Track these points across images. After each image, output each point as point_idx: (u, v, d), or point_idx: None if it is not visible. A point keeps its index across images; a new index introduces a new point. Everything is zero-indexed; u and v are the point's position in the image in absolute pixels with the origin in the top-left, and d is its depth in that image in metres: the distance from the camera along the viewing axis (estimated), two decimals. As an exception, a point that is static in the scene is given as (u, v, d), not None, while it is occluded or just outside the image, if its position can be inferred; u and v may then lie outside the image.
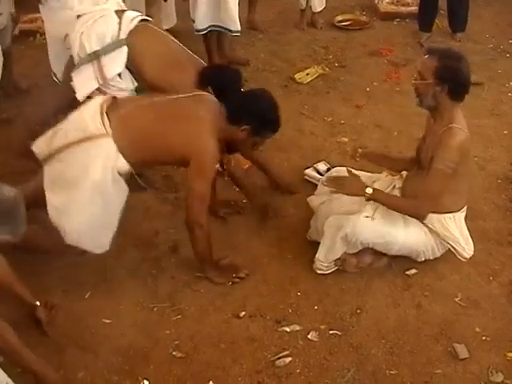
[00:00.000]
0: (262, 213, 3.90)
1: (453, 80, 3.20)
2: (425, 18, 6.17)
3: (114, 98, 3.40)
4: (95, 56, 3.77)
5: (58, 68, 4.21)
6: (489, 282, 3.49)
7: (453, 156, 3.20)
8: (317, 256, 3.48)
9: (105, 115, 3.24)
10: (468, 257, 3.50)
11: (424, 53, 3.37)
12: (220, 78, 3.72)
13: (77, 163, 3.21)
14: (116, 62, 3.80)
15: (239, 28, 5.32)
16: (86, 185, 3.18)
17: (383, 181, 3.65)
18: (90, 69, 3.79)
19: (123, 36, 3.79)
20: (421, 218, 3.37)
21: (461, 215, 3.47)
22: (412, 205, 3.38)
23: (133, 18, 3.87)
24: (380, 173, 3.76)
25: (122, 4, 4.13)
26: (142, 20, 3.94)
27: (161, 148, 3.28)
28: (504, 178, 4.29)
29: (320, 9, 6.44)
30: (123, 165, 3.21)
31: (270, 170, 4.15)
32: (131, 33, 3.82)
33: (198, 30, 5.28)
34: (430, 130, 3.44)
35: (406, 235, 3.41)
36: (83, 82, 3.82)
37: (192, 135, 3.23)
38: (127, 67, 3.81)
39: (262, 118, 3.31)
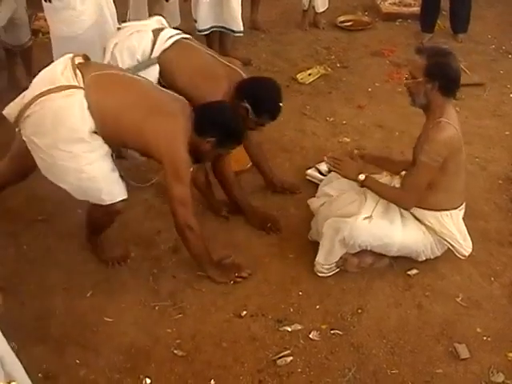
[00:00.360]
0: (261, 227, 3.86)
1: (443, 76, 3.23)
2: (427, 18, 6.19)
3: (86, 56, 3.32)
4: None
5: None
6: (490, 283, 3.49)
7: (438, 149, 3.22)
8: (317, 259, 3.49)
9: (77, 70, 3.17)
10: (467, 254, 3.51)
11: (414, 53, 3.40)
12: (256, 91, 3.65)
13: (49, 113, 3.10)
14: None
15: (242, 28, 5.33)
16: (62, 134, 3.09)
17: (383, 180, 3.66)
18: None
19: (156, 55, 3.77)
20: (406, 207, 3.42)
21: (458, 213, 3.47)
22: (398, 194, 3.42)
23: (169, 37, 3.82)
24: (379, 173, 3.77)
25: (164, 22, 4.11)
26: (180, 37, 3.89)
27: (132, 135, 3.21)
28: (505, 178, 4.30)
29: (323, 9, 6.46)
30: (92, 123, 3.11)
31: (265, 171, 4.16)
32: (165, 51, 3.78)
33: (200, 31, 5.29)
34: (422, 130, 3.46)
35: (403, 235, 3.42)
36: None
37: (168, 135, 3.17)
38: (160, 83, 3.76)
39: (227, 130, 3.31)
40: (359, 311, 3.31)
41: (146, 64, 3.75)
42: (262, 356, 3.05)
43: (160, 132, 3.15)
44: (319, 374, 2.99)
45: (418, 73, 3.27)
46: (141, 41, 3.79)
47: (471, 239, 3.52)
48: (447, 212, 3.42)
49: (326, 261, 3.48)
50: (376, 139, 4.71)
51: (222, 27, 5.32)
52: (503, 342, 3.14)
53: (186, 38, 3.90)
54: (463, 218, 3.52)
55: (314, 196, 3.88)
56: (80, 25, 4.03)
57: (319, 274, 3.50)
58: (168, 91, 3.44)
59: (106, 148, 3.18)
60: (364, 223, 3.38)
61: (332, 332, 3.19)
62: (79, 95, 3.09)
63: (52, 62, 4.27)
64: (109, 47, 3.83)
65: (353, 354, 3.09)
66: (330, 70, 5.73)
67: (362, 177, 3.42)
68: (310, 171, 4.25)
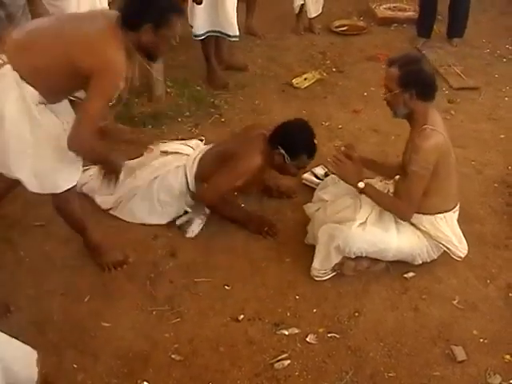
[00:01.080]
0: (257, 231, 3.87)
1: (417, 83, 3.24)
2: (424, 23, 6.21)
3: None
4: None
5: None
6: (486, 285, 3.50)
7: (426, 157, 3.23)
8: (313, 265, 3.51)
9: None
10: (462, 256, 3.52)
11: (386, 65, 3.39)
12: (287, 135, 3.76)
13: None
14: None
15: (237, 33, 5.34)
16: (6, 123, 2.95)
17: (378, 186, 3.67)
18: None
19: (192, 184, 3.90)
20: (404, 219, 3.43)
21: (452, 215, 3.48)
22: (396, 205, 3.43)
23: (193, 159, 3.94)
24: (373, 178, 3.78)
25: (200, 143, 4.24)
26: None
27: (61, 65, 2.92)
28: (501, 182, 4.31)
29: (315, 14, 6.48)
30: (32, 93, 2.94)
31: None
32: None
33: (196, 36, 5.31)
34: (408, 139, 3.48)
35: (399, 241, 3.43)
36: None
37: (96, 47, 2.88)
38: None
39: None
40: (356, 314, 3.32)
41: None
42: (259, 360, 3.06)
43: (90, 46, 2.89)
44: (317, 377, 2.99)
45: (393, 85, 3.27)
46: (176, 179, 3.91)
47: (467, 242, 3.53)
48: (441, 215, 3.43)
49: (322, 266, 3.49)
50: (371, 143, 4.73)
51: (218, 32, 5.34)
52: (500, 344, 3.14)
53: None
54: (459, 221, 3.53)
55: (311, 200, 3.90)
56: None
57: (316, 278, 3.51)
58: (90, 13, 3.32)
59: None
60: (358, 231, 3.39)
61: (329, 335, 3.20)
62: (9, 71, 2.93)
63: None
64: (146, 176, 3.95)
65: (350, 357, 3.09)
66: (325, 74, 5.76)
67: (361, 184, 3.44)
68: (305, 175, 4.26)
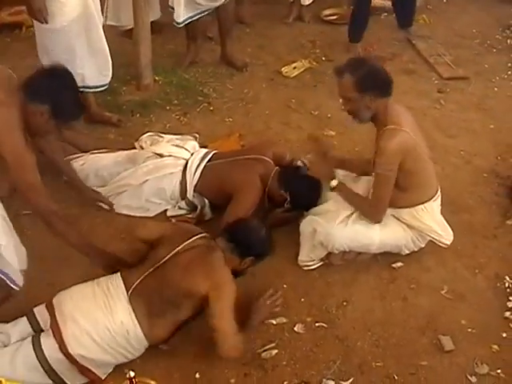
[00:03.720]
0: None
1: (374, 82, 3.19)
2: (357, 29, 5.92)
3: None
4: None
5: (46, 60, 4.17)
6: (474, 275, 3.51)
7: (389, 159, 3.19)
8: (299, 257, 3.52)
9: None
10: (448, 243, 3.51)
11: (336, 77, 3.34)
12: (295, 189, 3.69)
13: None
14: None
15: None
16: None
17: (368, 181, 3.66)
18: None
19: (190, 195, 3.87)
20: (374, 221, 3.40)
21: (432, 204, 3.45)
22: (367, 208, 3.41)
23: (195, 170, 3.88)
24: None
25: (196, 144, 4.19)
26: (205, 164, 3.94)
27: None
28: (490, 171, 4.31)
29: (309, 2, 6.44)
30: None
31: None
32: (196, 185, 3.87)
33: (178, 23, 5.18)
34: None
35: (382, 234, 3.42)
36: None
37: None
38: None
39: (63, 102, 3.01)
40: (344, 304, 3.31)
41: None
42: (246, 349, 3.03)
43: None
44: (304, 366, 2.99)
45: (350, 93, 3.20)
46: (170, 184, 3.88)
47: (456, 232, 3.54)
48: (421, 206, 3.41)
49: (308, 258, 3.51)
50: (361, 132, 4.69)
51: (203, 12, 5.22)
52: (488, 334, 3.15)
53: (210, 159, 3.96)
54: (447, 211, 3.53)
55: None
56: (64, 17, 3.99)
57: (304, 268, 3.51)
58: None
59: None
60: (340, 228, 3.39)
61: (317, 325, 3.20)
62: None
63: (36, 55, 4.28)
64: (139, 176, 3.90)
65: (338, 346, 3.09)
66: (315, 63, 5.73)
67: (334, 183, 3.52)
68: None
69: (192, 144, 4.15)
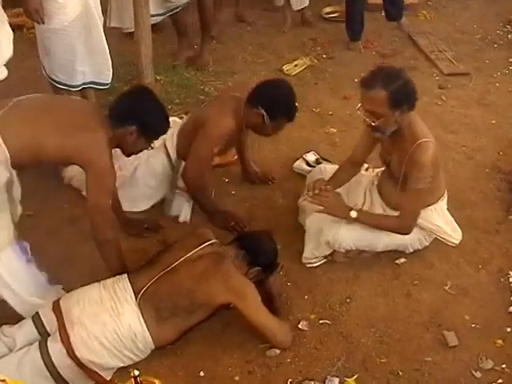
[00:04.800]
0: (224, 226, 3.77)
1: (407, 97, 3.04)
2: (354, 27, 6.00)
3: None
4: None
5: (46, 60, 4.17)
6: (477, 271, 3.50)
7: (428, 172, 3.14)
8: (304, 255, 3.51)
9: None
10: (457, 242, 3.51)
11: (363, 88, 3.10)
12: (268, 94, 3.52)
13: None
14: None
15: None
16: None
17: (366, 177, 3.65)
18: None
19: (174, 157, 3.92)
20: (408, 232, 3.34)
21: (441, 204, 3.46)
22: (397, 223, 3.33)
23: (172, 135, 3.91)
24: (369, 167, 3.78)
25: (176, 119, 4.20)
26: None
27: (52, 156, 3.00)
28: (492, 167, 4.31)
29: (300, 7, 6.33)
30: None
31: (245, 158, 4.18)
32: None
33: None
34: (391, 146, 3.31)
35: (391, 234, 3.38)
36: None
37: (90, 149, 2.99)
38: None
39: (148, 119, 3.14)
40: (348, 301, 3.31)
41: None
42: (250, 347, 3.05)
43: (83, 148, 2.98)
44: (308, 363, 2.99)
45: (382, 108, 3.00)
46: (158, 162, 3.93)
47: (459, 228, 3.53)
48: (431, 207, 3.40)
49: (312, 255, 3.50)
50: (362, 130, 4.69)
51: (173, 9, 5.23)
52: (491, 329, 3.15)
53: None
54: (450, 207, 3.53)
55: (302, 188, 3.86)
56: (64, 17, 3.99)
57: (307, 265, 3.51)
58: (79, 101, 3.47)
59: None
60: (348, 228, 3.36)
61: (321, 322, 3.19)
62: None
63: (37, 57, 4.28)
64: (129, 165, 3.91)
65: (342, 343, 3.09)
66: (315, 61, 5.74)
67: (353, 214, 3.29)
68: (297, 163, 4.28)
69: (172, 119, 3.98)
